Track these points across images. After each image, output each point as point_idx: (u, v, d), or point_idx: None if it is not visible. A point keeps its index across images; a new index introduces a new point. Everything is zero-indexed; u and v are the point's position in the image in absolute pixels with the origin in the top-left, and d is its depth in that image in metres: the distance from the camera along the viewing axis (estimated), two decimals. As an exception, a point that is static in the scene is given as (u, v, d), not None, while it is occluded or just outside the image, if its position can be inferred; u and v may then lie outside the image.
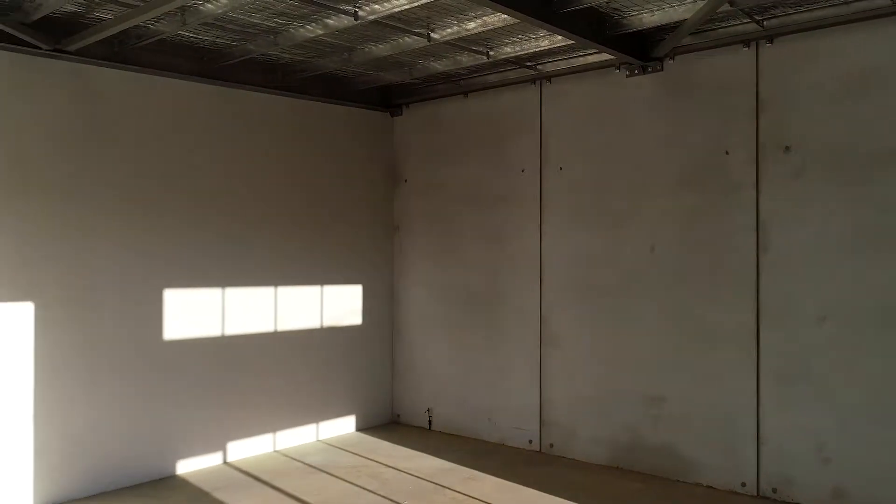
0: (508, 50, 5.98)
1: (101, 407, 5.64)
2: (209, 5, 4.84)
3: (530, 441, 6.75)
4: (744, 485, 5.41)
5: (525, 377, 6.79)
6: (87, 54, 5.44)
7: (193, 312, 6.21)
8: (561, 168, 6.54)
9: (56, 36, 5.19)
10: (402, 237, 7.91)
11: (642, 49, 5.78)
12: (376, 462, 6.40)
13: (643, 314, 5.97)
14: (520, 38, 5.76)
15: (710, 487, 5.57)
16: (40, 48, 5.19)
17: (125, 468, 5.76)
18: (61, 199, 5.43)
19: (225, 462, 6.40)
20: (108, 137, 5.70)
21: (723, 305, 5.53)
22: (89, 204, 5.58)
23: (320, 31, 5.41)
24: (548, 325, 6.62)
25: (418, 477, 5.96)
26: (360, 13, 4.97)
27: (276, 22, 5.33)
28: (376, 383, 7.80)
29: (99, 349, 5.63)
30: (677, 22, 5.20)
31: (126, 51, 5.64)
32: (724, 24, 5.37)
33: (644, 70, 5.93)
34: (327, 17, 5.19)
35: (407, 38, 5.70)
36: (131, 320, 5.82)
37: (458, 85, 7.18)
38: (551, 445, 6.60)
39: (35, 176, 5.31)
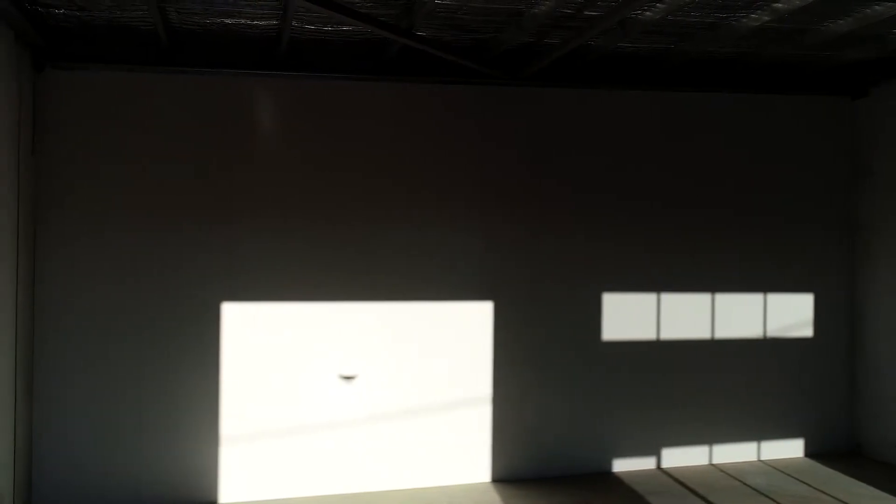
0: None
1: (547, 398, 6.17)
2: (647, 13, 4.83)
3: None
4: None
5: None
6: (536, 78, 5.94)
7: (629, 316, 6.34)
8: None
9: (511, 66, 5.79)
10: (870, 239, 6.76)
11: None
12: (832, 497, 5.62)
13: None
14: None
15: None
16: (499, 79, 5.87)
17: (566, 458, 6.18)
18: (517, 209, 6.10)
19: (658, 467, 6.37)
20: (557, 153, 6.20)
21: None
22: (539, 213, 6.14)
23: (766, 18, 4.94)
24: None
25: (888, 526, 5.05)
26: (817, -11, 4.38)
27: (716, 17, 5.03)
28: (831, 405, 6.83)
29: (546, 345, 6.17)
30: None
31: (570, 70, 6.02)
32: None
33: None
34: (775, 2, 4.70)
35: (877, 7, 4.81)
36: (574, 320, 6.24)
37: (947, 51, 5.80)
38: None
39: (496, 192, 6.06)
